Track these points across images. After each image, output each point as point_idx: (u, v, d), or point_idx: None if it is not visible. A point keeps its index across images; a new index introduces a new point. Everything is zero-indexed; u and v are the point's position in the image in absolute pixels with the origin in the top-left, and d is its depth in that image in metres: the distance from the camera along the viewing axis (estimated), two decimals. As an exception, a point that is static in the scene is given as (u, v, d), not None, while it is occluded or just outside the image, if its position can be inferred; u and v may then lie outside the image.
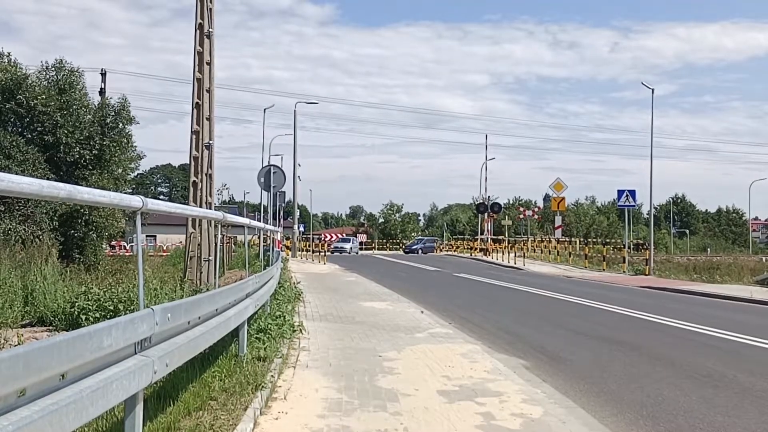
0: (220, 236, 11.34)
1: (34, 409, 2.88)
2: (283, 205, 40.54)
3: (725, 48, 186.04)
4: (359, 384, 7.63)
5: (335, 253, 52.69)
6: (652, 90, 31.58)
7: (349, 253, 56.88)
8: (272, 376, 7.37)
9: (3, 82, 23.32)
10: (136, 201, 4.11)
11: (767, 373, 9.15)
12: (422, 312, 14.68)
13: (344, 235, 77.80)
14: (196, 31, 15.81)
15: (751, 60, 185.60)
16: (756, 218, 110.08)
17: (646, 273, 29.28)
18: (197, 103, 15.87)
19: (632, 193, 31.55)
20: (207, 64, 15.83)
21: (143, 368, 4.01)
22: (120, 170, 26.36)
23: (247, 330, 8.50)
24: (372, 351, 9.77)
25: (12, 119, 23.66)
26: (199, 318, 5.62)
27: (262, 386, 6.77)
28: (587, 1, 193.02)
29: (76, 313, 12.14)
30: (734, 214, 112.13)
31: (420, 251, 58.74)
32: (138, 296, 4.50)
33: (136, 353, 4.11)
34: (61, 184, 3.23)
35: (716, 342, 11.65)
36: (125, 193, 28.43)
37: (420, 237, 74.41)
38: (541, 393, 7.53)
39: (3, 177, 2.69)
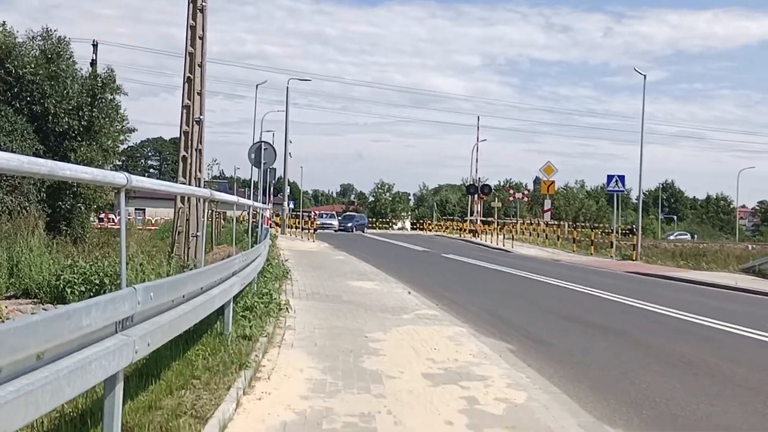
0: (207, 212, 11.27)
1: (9, 389, 2.83)
2: (274, 181, 40.39)
3: (717, 36, 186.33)
4: (344, 365, 7.62)
5: (323, 230, 51.56)
6: (644, 76, 31.59)
7: (353, 230, 56.06)
8: (257, 355, 7.35)
9: (-8, 50, 23.01)
10: (120, 178, 4.04)
11: (748, 362, 9.24)
12: (409, 293, 14.68)
13: (334, 213, 74.28)
14: (189, 4, 15.62)
15: (742, 49, 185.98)
16: (743, 206, 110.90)
17: (634, 258, 29.39)
18: (189, 77, 15.71)
19: (621, 178, 31.61)
20: (199, 38, 15.66)
21: (123, 348, 3.97)
22: (109, 142, 26.12)
23: (233, 308, 8.46)
24: (358, 331, 9.76)
25: (1, 88, 23.36)
26: (183, 296, 5.56)
27: (246, 365, 6.74)
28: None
29: (61, 286, 12.10)
30: (722, 202, 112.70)
31: (354, 228, 58.14)
32: (120, 273, 4.44)
33: (117, 332, 4.06)
34: (41, 160, 3.15)
35: (700, 329, 11.72)
36: (115, 165, 28.23)
37: (352, 214, 71.02)
38: (526, 378, 7.53)
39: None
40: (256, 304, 9.72)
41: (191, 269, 12.89)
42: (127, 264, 12.29)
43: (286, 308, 10.90)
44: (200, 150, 15.74)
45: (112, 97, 25.22)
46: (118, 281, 12.20)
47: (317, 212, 70.29)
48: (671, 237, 63.18)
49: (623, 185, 32.06)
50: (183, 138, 15.77)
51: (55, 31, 24.69)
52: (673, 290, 18.43)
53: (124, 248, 4.40)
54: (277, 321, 9.88)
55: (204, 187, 14.57)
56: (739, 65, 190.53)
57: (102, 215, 39.14)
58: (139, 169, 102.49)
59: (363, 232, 57.34)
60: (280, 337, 8.97)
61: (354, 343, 8.91)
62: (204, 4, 15.61)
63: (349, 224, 60.26)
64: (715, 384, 7.88)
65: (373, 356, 8.16)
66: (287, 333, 9.29)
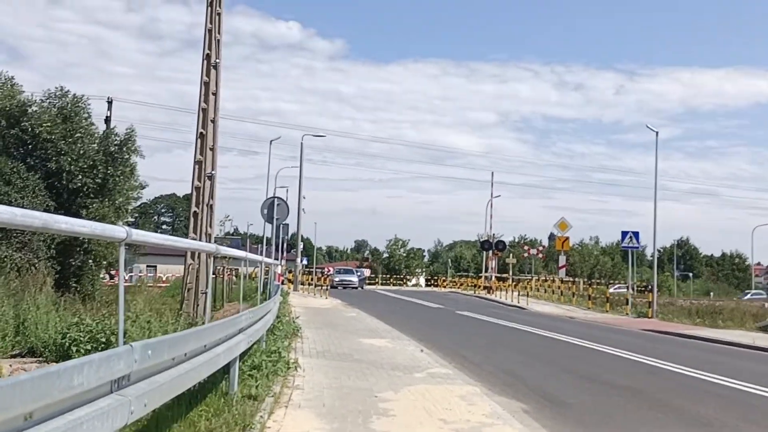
0: (219, 269, 11.14)
1: (-9, 453, 2.67)
2: (287, 237, 40.32)
3: (728, 94, 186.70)
4: (352, 426, 7.37)
5: (339, 288, 48.19)
6: (656, 132, 31.52)
7: (355, 288, 51.45)
8: (262, 416, 7.13)
9: (9, 109, 23.34)
10: (119, 231, 3.93)
11: (770, 424, 8.92)
12: (422, 351, 14.40)
13: (353, 269, 66.85)
14: (203, 61, 15.81)
15: (754, 106, 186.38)
16: (758, 263, 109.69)
17: (649, 316, 28.92)
18: (201, 133, 15.80)
19: (636, 234, 31.36)
20: (213, 94, 15.80)
21: (118, 408, 3.79)
22: (121, 199, 26.22)
23: (240, 366, 8.26)
24: (368, 391, 9.51)
25: (15, 145, 23.61)
26: (185, 354, 5.39)
27: (251, 427, 6.53)
28: (592, 43, 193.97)
29: (67, 344, 11.91)
30: (737, 259, 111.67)
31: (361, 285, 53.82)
32: (118, 331, 4.29)
33: (112, 392, 3.89)
34: (36, 213, 3.04)
35: (718, 389, 11.39)
36: (127, 222, 28.27)
37: (350, 268, 65.70)
38: (541, 440, 7.26)
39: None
40: (263, 362, 9.51)
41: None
42: (134, 321, 12.17)
43: (295, 367, 10.67)
44: (211, 205, 15.73)
45: (128, 156, 25.39)
46: (125, 340, 12.02)
47: (329, 268, 69.15)
48: (745, 298, 59.92)
49: (638, 241, 31.80)
50: (195, 193, 15.78)
51: (67, 91, 25.03)
52: (690, 348, 18.03)
53: (122, 303, 4.26)
54: (285, 380, 9.66)
55: (215, 243, 14.50)
56: (752, 122, 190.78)
57: (113, 272, 39.14)
58: (152, 226, 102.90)
59: (362, 287, 54.56)
60: (287, 396, 8.73)
61: (364, 403, 8.66)
62: (218, 61, 15.78)
63: (347, 278, 53.92)
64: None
65: (383, 417, 7.90)
66: (295, 393, 9.05)
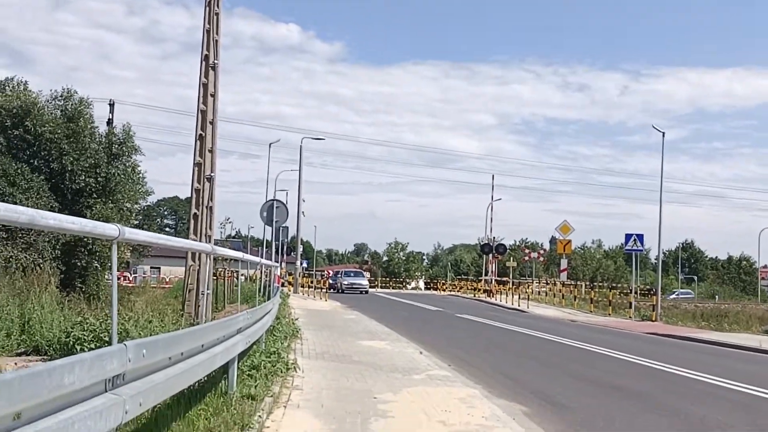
0: (221, 271, 11.13)
1: (-22, 452, 2.65)
2: (287, 240, 40.32)
3: (736, 94, 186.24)
4: (351, 427, 7.35)
5: (346, 293, 44.25)
6: (663, 133, 31.40)
7: (366, 292, 46.45)
8: (260, 416, 7.10)
9: (14, 109, 23.41)
10: (111, 229, 3.90)
11: (778, 428, 8.85)
12: (421, 353, 14.37)
13: (361, 270, 61.39)
14: (201, 62, 15.79)
15: (763, 107, 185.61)
16: (765, 266, 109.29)
17: (653, 319, 28.84)
18: (200, 135, 15.79)
19: (640, 237, 31.23)
20: (211, 95, 15.78)
21: (112, 408, 3.77)
22: (128, 204, 26.29)
23: (239, 366, 8.24)
24: (367, 392, 9.48)
25: (20, 146, 23.67)
26: (182, 354, 5.37)
27: (249, 427, 6.50)
28: (596, 43, 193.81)
29: (71, 342, 11.95)
30: (744, 262, 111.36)
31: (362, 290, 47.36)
32: (111, 329, 4.27)
33: (106, 391, 3.87)
34: (21, 208, 3.02)
35: (724, 393, 11.31)
36: (131, 224, 28.37)
37: (357, 270, 60.35)
38: (540, 442, 7.22)
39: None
40: (262, 362, 9.49)
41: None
42: (135, 321, 12.16)
43: (294, 367, 10.65)
44: (211, 207, 15.71)
45: (128, 155, 25.44)
46: (129, 338, 12.05)
47: (329, 271, 68.61)
48: (671, 297, 60.61)
49: (642, 244, 31.66)
50: (194, 195, 15.76)
51: (75, 92, 25.12)
52: (695, 352, 17.96)
53: (116, 302, 4.24)
54: (284, 381, 9.63)
55: (217, 246, 14.48)
56: (760, 123, 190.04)
57: (119, 273, 39.21)
58: (155, 228, 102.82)
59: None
60: (286, 397, 8.71)
61: (362, 404, 8.63)
62: (216, 62, 15.77)
63: (357, 281, 48.67)
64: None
65: (381, 418, 7.88)
66: (294, 393, 9.03)
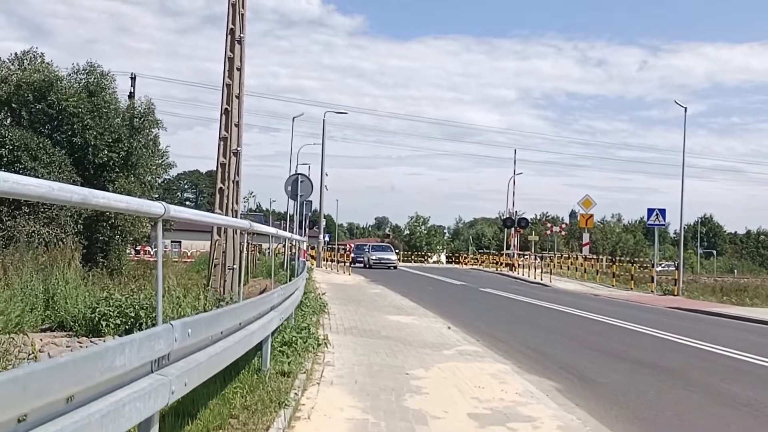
0: (241, 245, 11.08)
1: (35, 437, 2.59)
2: (309, 214, 40.33)
3: (753, 69, 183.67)
4: (386, 404, 7.30)
5: (374, 268, 41.88)
6: (685, 109, 30.94)
7: (395, 267, 43.91)
8: (296, 393, 7.07)
9: (36, 83, 23.39)
10: (157, 207, 3.82)
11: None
12: (449, 328, 14.31)
13: (390, 245, 56.76)
14: (227, 36, 15.64)
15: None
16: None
17: (675, 293, 28.62)
18: (226, 109, 15.68)
19: (662, 212, 30.94)
20: (237, 69, 15.64)
21: (159, 389, 3.71)
22: (149, 177, 26.33)
23: (271, 343, 8.20)
24: (399, 368, 9.43)
25: (42, 120, 23.71)
26: (221, 333, 5.31)
27: (285, 404, 6.47)
28: (615, 19, 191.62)
29: (96, 318, 11.99)
30: (762, 236, 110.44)
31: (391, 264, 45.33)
32: (156, 308, 4.20)
33: (152, 372, 3.81)
34: (74, 188, 2.94)
35: (752, 368, 11.18)
36: (152, 197, 28.53)
37: (384, 244, 57.37)
38: (576, 419, 7.14)
39: (7, 177, 2.41)
40: (294, 339, 9.45)
41: (227, 303, 12.70)
42: (168, 298, 12.17)
43: (325, 343, 10.61)
44: (237, 182, 15.64)
45: (149, 129, 25.43)
46: (154, 314, 12.06)
47: (350, 244, 68.48)
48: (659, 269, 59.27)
49: (664, 219, 31.36)
50: (220, 170, 15.69)
51: (99, 66, 25.07)
52: (719, 327, 17.78)
53: (161, 281, 4.17)
54: (315, 357, 9.60)
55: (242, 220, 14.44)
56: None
57: (138, 247, 39.41)
58: (175, 202, 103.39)
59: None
60: (318, 373, 8.68)
61: (395, 380, 8.58)
62: (242, 35, 15.62)
63: (385, 256, 45.53)
64: (779, 429, 7.42)
65: (415, 395, 7.82)
66: (326, 369, 9.00)
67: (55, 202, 2.91)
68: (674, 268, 32.72)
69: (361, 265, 45.44)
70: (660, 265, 64.46)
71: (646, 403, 8.38)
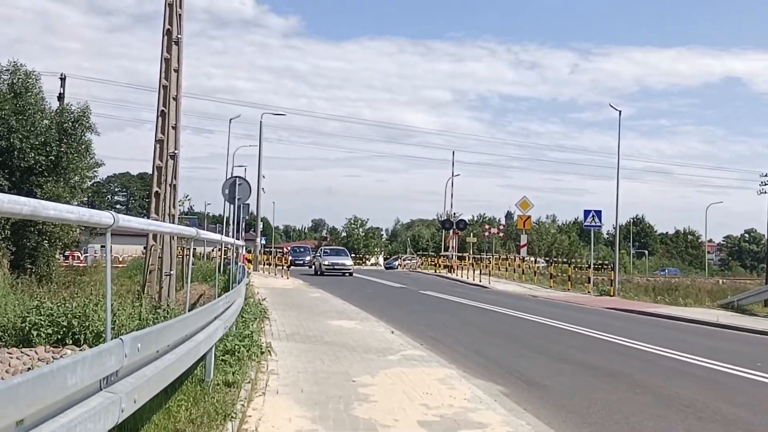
0: (176, 250, 10.80)
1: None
2: (246, 217, 39.78)
3: (680, 73, 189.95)
4: (334, 413, 7.18)
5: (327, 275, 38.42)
6: (620, 112, 31.71)
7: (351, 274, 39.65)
8: (242, 404, 6.88)
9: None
10: (106, 217, 3.64)
11: (749, 404, 8.93)
12: (392, 332, 14.25)
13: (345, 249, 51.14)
14: (163, 36, 15.28)
15: (705, 86, 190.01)
16: (710, 240, 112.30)
17: (611, 294, 29.24)
18: (162, 111, 15.31)
19: (598, 213, 31.63)
20: (174, 71, 15.30)
21: (110, 407, 3.52)
22: (76, 178, 25.54)
23: (213, 352, 7.98)
24: (345, 375, 9.31)
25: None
26: (169, 345, 5.11)
27: (232, 416, 6.28)
28: (548, 22, 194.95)
29: (27, 328, 11.54)
30: (691, 236, 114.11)
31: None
32: (105, 324, 4.00)
33: (101, 389, 3.62)
34: (24, 199, 2.75)
35: (691, 369, 11.43)
36: (81, 202, 27.60)
37: (338, 248, 54.57)
38: (526, 425, 7.14)
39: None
40: (237, 347, 9.22)
41: (164, 311, 12.38)
42: (95, 305, 11.75)
43: (268, 351, 10.42)
44: (174, 185, 15.29)
45: (82, 133, 24.71)
46: (87, 323, 11.60)
47: (287, 247, 67.92)
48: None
49: (600, 220, 32.08)
50: (156, 173, 15.31)
51: (22, 65, 24.22)
52: (656, 327, 18.19)
53: (110, 295, 3.97)
54: (259, 365, 9.41)
55: (177, 224, 14.11)
56: (702, 102, 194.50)
57: (67, 253, 38.25)
58: (105, 205, 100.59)
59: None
60: (263, 383, 8.49)
61: (342, 388, 8.46)
62: (179, 36, 15.27)
63: (340, 261, 40.87)
64: (720, 429, 7.57)
65: (364, 403, 7.72)
66: (271, 378, 8.82)
67: (5, 215, 2.72)
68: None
69: (302, 268, 44.78)
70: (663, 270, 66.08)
71: (593, 406, 8.45)
